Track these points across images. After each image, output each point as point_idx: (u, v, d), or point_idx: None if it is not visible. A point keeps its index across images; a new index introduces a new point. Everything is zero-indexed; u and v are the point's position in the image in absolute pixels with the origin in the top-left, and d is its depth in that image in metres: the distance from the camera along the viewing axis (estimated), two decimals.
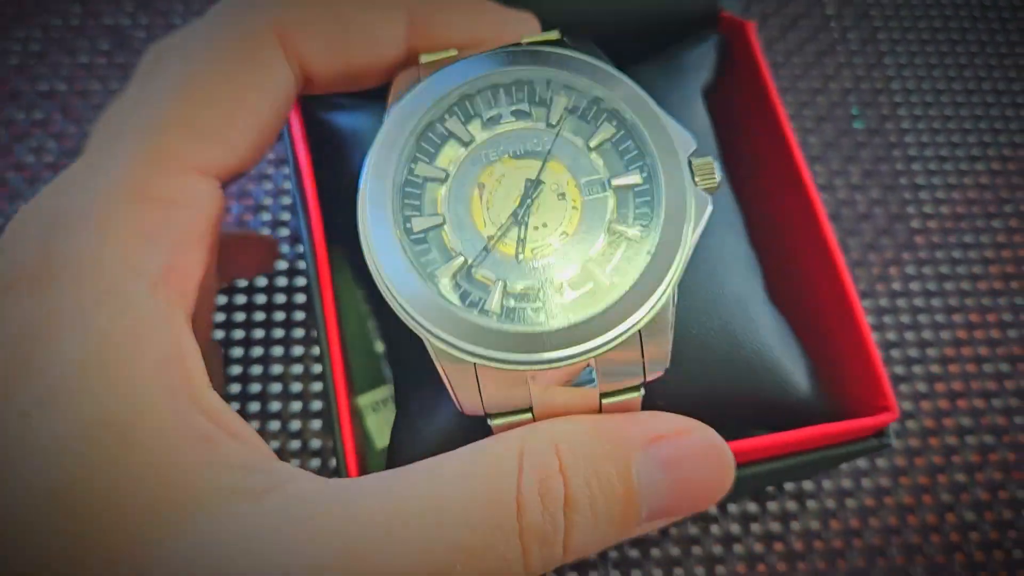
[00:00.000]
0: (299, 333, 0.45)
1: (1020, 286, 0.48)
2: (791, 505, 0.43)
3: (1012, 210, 0.51)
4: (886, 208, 0.51)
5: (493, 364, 0.25)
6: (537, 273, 0.27)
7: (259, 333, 0.45)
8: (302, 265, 0.47)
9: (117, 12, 0.53)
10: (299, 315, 0.46)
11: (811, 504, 0.43)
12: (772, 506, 0.43)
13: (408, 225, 0.27)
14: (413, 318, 0.26)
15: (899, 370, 0.46)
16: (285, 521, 0.22)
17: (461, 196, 0.28)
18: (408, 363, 0.36)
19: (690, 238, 0.26)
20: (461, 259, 0.27)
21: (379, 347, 0.43)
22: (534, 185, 0.28)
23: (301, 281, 0.47)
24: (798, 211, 0.37)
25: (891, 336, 0.47)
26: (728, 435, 0.27)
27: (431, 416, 0.33)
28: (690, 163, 0.27)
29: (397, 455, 0.34)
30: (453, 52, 0.30)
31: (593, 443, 0.25)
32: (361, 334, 0.42)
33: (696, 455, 0.26)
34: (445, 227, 0.27)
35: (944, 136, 0.53)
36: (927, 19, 0.56)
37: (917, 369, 0.46)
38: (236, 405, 0.44)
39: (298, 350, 0.45)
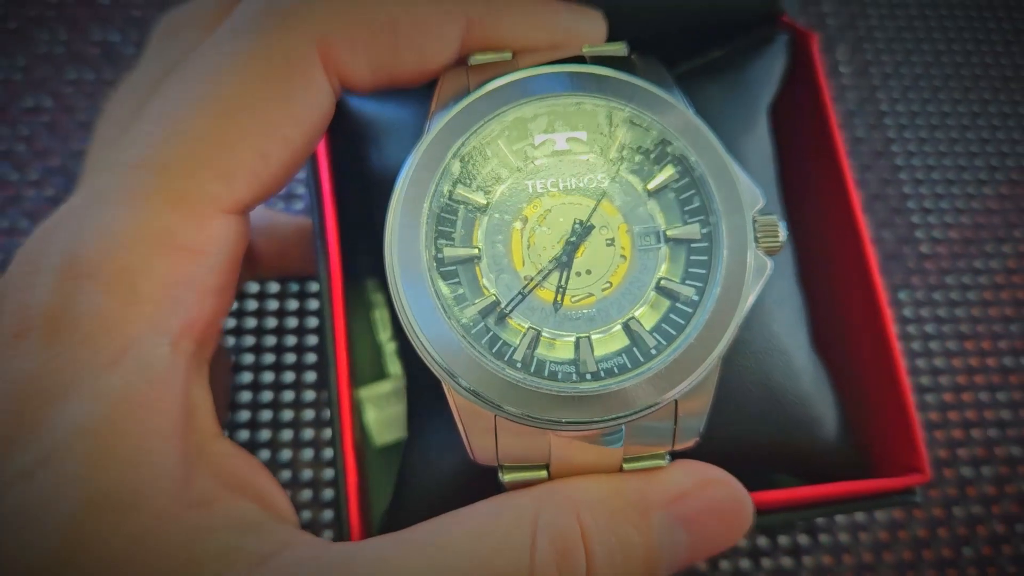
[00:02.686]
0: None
1: None
2: (803, 539, 0.42)
3: (1022, 235, 0.50)
4: (894, 232, 0.50)
5: (514, 420, 0.24)
6: (574, 325, 0.25)
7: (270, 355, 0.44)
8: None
9: (107, 28, 0.52)
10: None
11: (824, 538, 0.41)
12: (783, 540, 0.41)
13: (440, 255, 0.25)
14: (433, 359, 0.24)
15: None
16: None
17: (501, 229, 0.26)
18: (424, 391, 0.34)
19: (746, 305, 0.24)
20: (493, 300, 0.25)
21: (384, 338, 0.41)
22: (584, 229, 0.25)
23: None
24: (850, 256, 0.35)
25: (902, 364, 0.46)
26: (751, 478, 0.26)
27: (443, 453, 0.31)
28: (754, 221, 0.25)
29: (405, 492, 0.32)
30: (507, 55, 0.27)
31: (614, 505, 0.23)
32: (368, 324, 0.40)
33: (717, 510, 0.24)
34: (480, 262, 0.25)
35: (951, 159, 0.52)
36: (930, 41, 0.55)
37: (929, 398, 0.45)
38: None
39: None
